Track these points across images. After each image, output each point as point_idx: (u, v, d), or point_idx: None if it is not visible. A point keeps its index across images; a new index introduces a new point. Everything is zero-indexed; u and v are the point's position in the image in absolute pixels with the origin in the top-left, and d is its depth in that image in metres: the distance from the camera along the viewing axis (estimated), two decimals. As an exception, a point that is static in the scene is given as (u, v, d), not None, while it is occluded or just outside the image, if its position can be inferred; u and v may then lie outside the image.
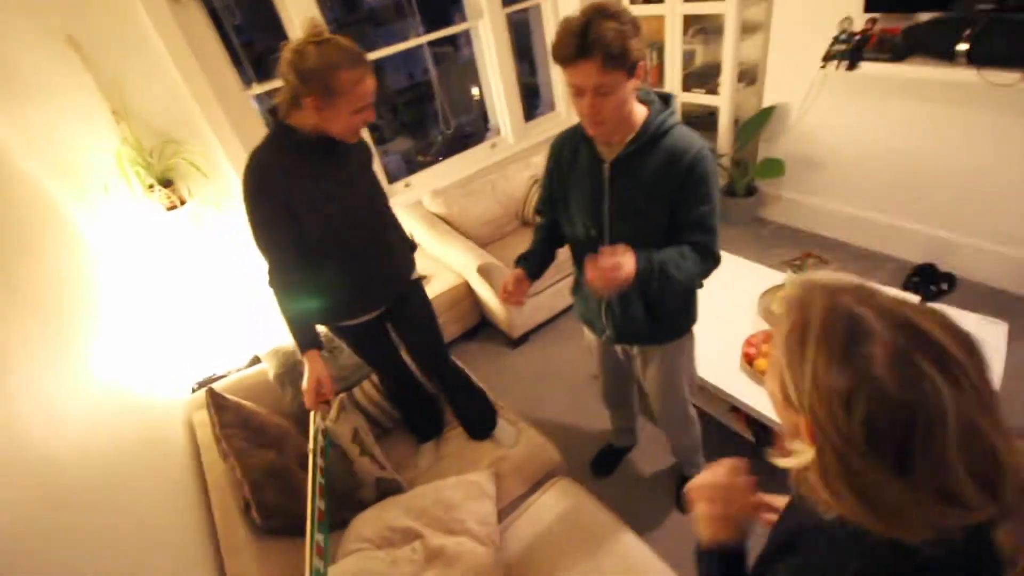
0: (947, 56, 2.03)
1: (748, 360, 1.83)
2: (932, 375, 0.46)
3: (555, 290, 2.76)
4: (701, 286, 1.37)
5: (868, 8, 2.24)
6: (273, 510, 1.29)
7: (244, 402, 1.59)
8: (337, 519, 1.42)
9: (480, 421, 1.81)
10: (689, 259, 1.18)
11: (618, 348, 1.61)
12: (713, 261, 1.23)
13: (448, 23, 3.14)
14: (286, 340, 1.87)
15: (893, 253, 2.79)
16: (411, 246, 1.67)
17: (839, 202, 2.92)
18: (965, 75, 2.00)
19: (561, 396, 2.45)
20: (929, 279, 2.54)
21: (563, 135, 1.32)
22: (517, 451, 1.72)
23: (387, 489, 1.54)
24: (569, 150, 1.28)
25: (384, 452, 1.74)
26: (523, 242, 2.95)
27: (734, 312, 2.05)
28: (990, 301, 2.38)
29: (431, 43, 2.93)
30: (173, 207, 2.04)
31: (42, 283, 1.32)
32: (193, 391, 1.91)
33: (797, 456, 0.54)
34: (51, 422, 0.99)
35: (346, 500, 1.49)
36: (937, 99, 2.30)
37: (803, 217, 3.12)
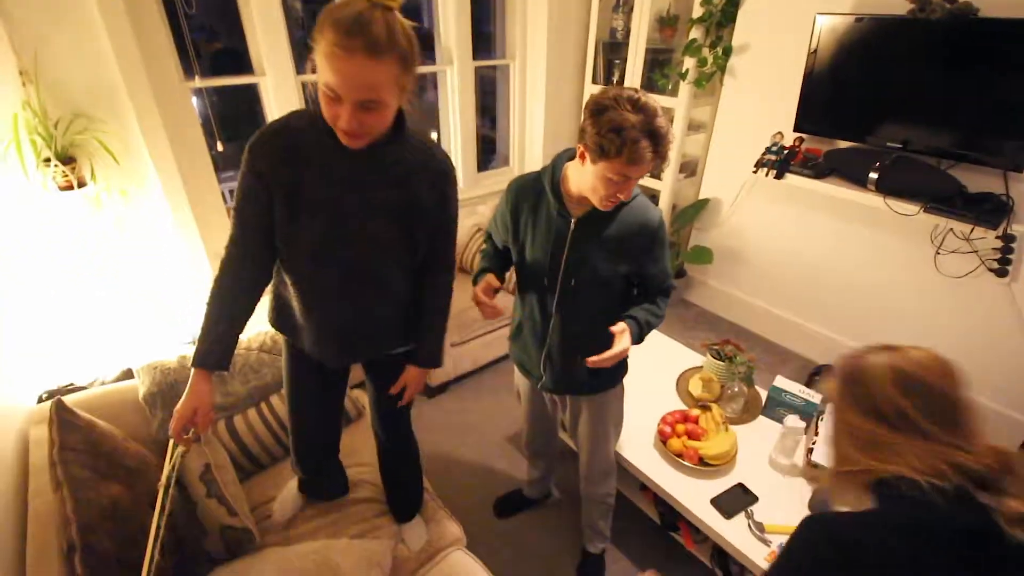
0: (860, 181, 2.26)
1: (662, 438, 1.81)
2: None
3: (483, 342, 2.68)
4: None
5: (797, 128, 2.49)
6: (102, 559, 1.05)
7: (99, 422, 1.35)
8: (185, 575, 1.20)
9: (408, 502, 1.63)
10: (661, 305, 1.38)
11: (547, 397, 1.62)
12: (669, 297, 1.43)
13: (416, 64, 3.17)
14: (168, 356, 1.65)
15: (799, 351, 2.98)
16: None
17: (756, 296, 3.11)
18: (874, 200, 2.24)
19: (474, 453, 2.32)
20: (829, 380, 2.72)
21: (523, 181, 1.34)
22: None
23: (234, 540, 1.32)
24: (532, 198, 1.31)
25: (256, 489, 1.54)
26: (457, 287, 2.88)
27: (653, 389, 2.05)
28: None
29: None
30: (69, 187, 1.80)
31: None
32: (40, 400, 1.61)
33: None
34: None
35: (191, 551, 1.27)
36: (849, 217, 2.55)
37: (725, 306, 3.29)
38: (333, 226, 1.08)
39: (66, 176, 1.79)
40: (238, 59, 2.47)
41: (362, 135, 0.97)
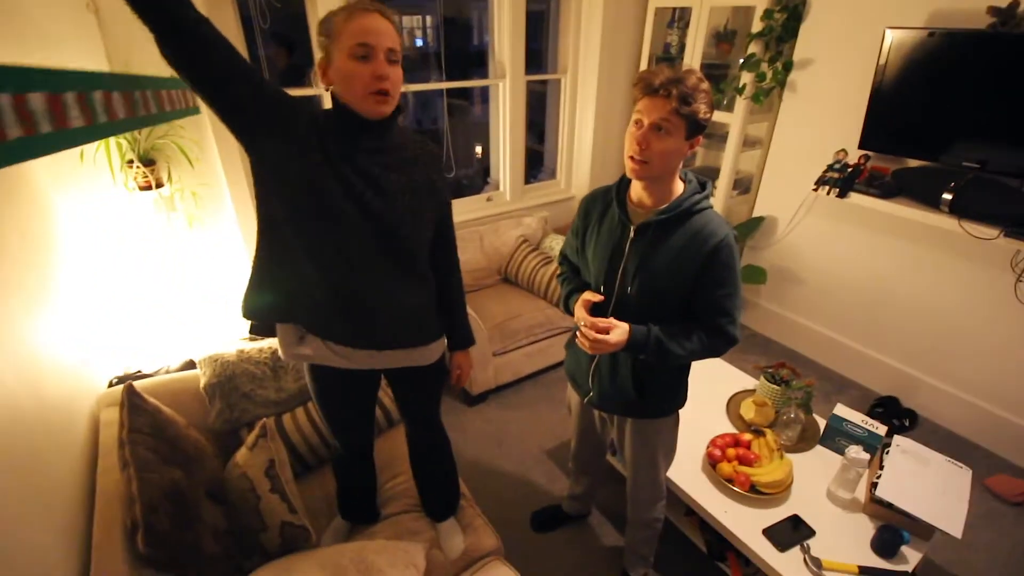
0: (932, 202, 2.14)
1: (712, 462, 1.74)
2: None
3: (525, 352, 2.67)
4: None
5: (862, 145, 2.38)
6: (162, 539, 1.09)
7: (164, 408, 1.41)
8: (232, 566, 1.23)
9: (444, 499, 1.63)
10: (695, 339, 1.21)
11: (596, 414, 1.58)
12: (725, 343, 1.24)
13: (467, 79, 3.25)
14: (228, 348, 1.72)
15: (859, 380, 2.81)
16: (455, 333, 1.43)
17: (813, 321, 2.97)
18: (947, 223, 2.11)
19: (512, 464, 2.30)
20: (892, 412, 2.55)
21: (596, 192, 1.35)
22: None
23: (292, 536, 1.35)
24: (601, 207, 1.31)
25: (300, 491, 1.57)
26: (501, 297, 2.90)
27: (703, 411, 1.98)
28: (946, 445, 2.38)
29: (448, 94, 3.02)
30: (147, 187, 1.92)
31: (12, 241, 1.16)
32: (110, 384, 1.70)
33: None
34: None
35: (246, 543, 1.30)
36: (918, 239, 2.40)
37: (778, 329, 3.16)
38: (365, 195, 1.05)
39: (146, 177, 1.92)
40: (301, 73, 2.61)
41: (392, 94, 1.04)
